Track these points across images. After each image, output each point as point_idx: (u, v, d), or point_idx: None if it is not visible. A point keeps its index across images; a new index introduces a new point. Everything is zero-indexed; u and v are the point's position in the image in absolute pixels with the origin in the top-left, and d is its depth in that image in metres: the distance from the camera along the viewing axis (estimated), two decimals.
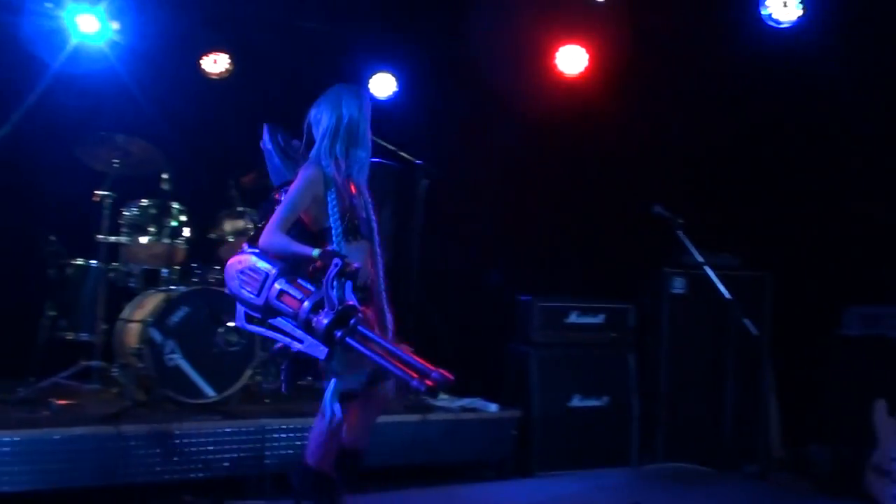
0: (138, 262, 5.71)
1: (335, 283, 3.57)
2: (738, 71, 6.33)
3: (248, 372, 5.26)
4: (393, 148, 5.98)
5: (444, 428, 5.32)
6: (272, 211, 3.86)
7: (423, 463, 5.23)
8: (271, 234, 3.77)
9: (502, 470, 5.43)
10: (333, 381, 3.74)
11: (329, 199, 3.81)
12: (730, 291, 5.60)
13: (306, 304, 3.56)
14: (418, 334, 5.69)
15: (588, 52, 6.86)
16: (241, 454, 4.77)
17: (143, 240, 5.61)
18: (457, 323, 6.19)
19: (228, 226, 5.83)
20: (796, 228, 6.17)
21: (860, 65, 5.81)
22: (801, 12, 6.02)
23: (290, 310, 3.59)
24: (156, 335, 5.05)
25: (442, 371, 3.41)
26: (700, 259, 5.73)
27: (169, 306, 5.11)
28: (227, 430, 4.79)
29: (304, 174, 3.85)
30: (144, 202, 5.66)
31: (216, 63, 6.87)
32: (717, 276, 5.65)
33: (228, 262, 3.78)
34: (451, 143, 6.45)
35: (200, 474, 4.67)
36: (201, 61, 6.84)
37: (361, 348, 3.54)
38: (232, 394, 5.20)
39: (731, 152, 6.46)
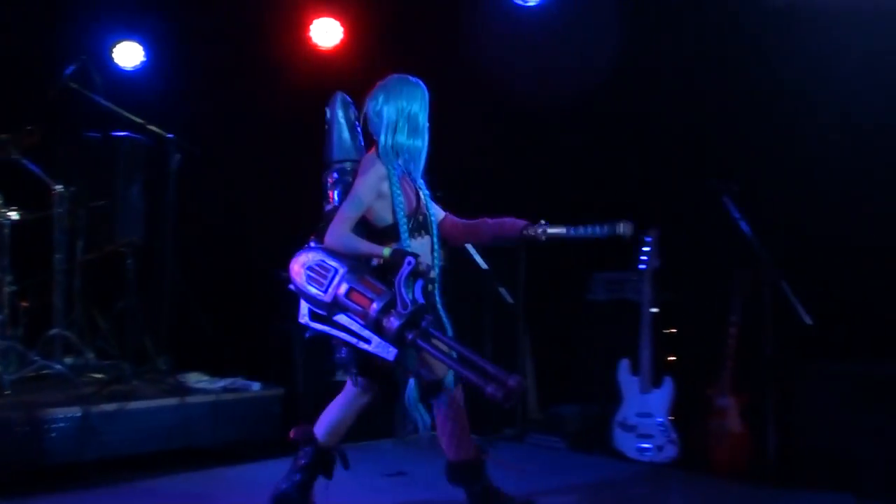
0: None
1: (407, 282, 3.47)
2: (491, 49, 6.49)
3: None
4: (141, 121, 5.72)
5: (205, 410, 5.16)
6: (328, 193, 3.81)
7: (183, 447, 5.05)
8: (338, 233, 3.63)
9: (267, 449, 5.32)
10: (412, 383, 3.66)
11: (395, 195, 3.69)
12: (486, 262, 5.76)
13: (376, 304, 3.44)
14: (176, 315, 5.51)
15: (342, 25, 6.82)
16: None
17: None
18: (218, 301, 5.99)
19: None
20: (547, 200, 6.42)
21: (600, 41, 6.08)
22: None
23: (360, 308, 3.46)
24: None
25: (517, 377, 3.30)
26: None
27: None
28: None
29: (370, 170, 3.71)
30: None
31: None
32: (474, 247, 5.80)
33: (294, 259, 3.64)
34: (206, 117, 6.23)
35: None
36: None
37: (434, 351, 3.44)
38: None
39: (482, 127, 6.63)
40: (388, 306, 3.44)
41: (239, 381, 5.42)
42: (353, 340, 3.54)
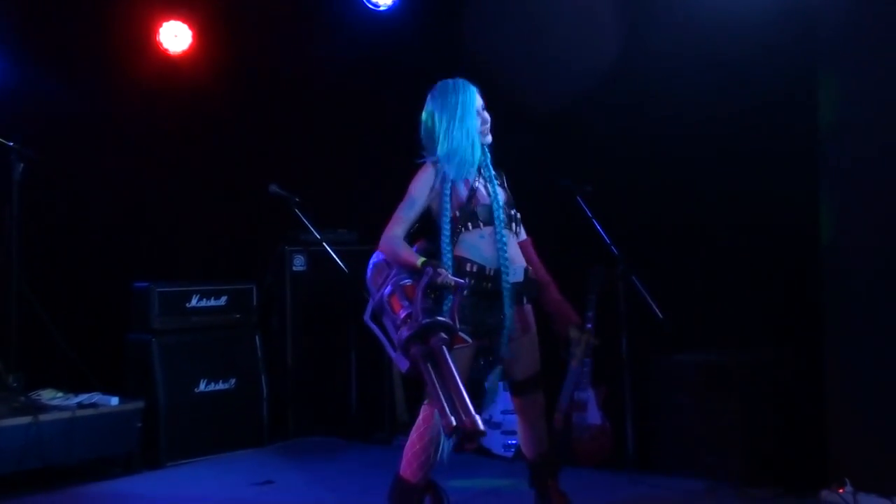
0: None
1: (427, 293, 3.38)
2: (341, 52, 6.52)
3: None
4: None
5: (61, 428, 4.96)
6: None
7: (40, 467, 4.85)
8: (386, 236, 3.60)
9: (130, 465, 5.19)
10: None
11: (444, 191, 3.64)
12: (349, 266, 5.77)
13: (403, 311, 3.37)
14: (25, 329, 5.30)
15: (191, 29, 6.70)
16: None
17: None
18: (71, 315, 5.77)
19: None
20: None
21: (449, 46, 6.18)
22: None
23: (393, 313, 3.40)
24: None
25: (477, 421, 3.14)
26: (318, 236, 5.85)
27: None
28: None
29: (423, 170, 3.69)
30: None
31: None
32: (335, 251, 5.80)
33: (376, 251, 3.62)
34: (52, 124, 5.99)
35: None
36: None
37: (425, 373, 3.27)
38: None
39: (341, 130, 6.65)
40: (410, 316, 3.37)
41: (96, 396, 5.23)
42: (387, 345, 3.47)
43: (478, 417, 3.16)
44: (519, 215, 3.89)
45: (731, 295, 5.11)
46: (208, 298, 5.75)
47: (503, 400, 5.29)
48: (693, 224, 5.23)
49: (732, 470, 4.63)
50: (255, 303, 5.95)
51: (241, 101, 6.62)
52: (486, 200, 3.73)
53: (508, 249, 3.70)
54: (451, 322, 3.37)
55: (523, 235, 3.92)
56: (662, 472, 4.82)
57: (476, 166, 3.77)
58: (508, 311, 3.65)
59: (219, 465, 5.41)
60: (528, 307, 3.83)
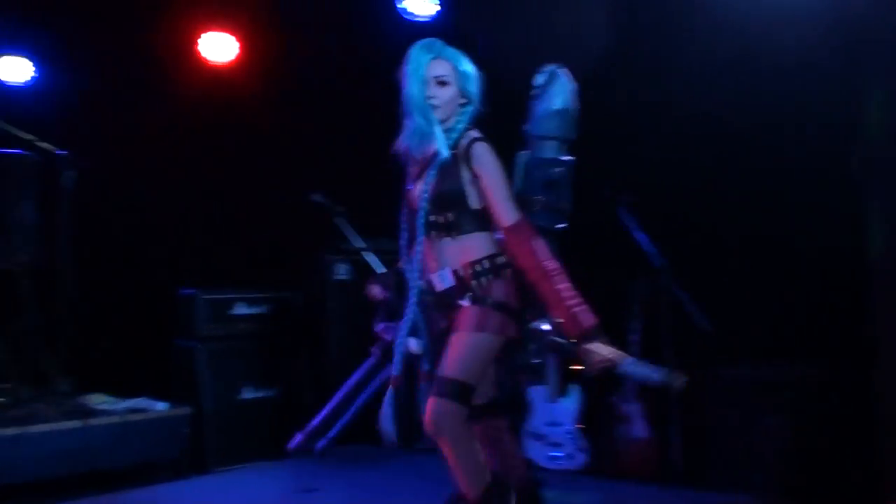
0: None
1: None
2: (382, 62, 6.54)
3: None
4: (31, 137, 5.54)
5: (109, 432, 5.03)
6: None
7: (89, 471, 4.91)
8: None
9: (177, 469, 5.25)
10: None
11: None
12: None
13: None
14: (76, 334, 5.36)
15: (238, 39, 6.76)
16: None
17: None
18: (119, 320, 5.84)
19: None
20: None
21: (491, 56, 6.18)
22: (437, 7, 6.35)
23: None
24: None
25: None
26: (360, 245, 5.85)
27: None
28: None
29: None
30: None
31: None
32: (377, 259, 5.81)
33: None
34: (99, 133, 6.08)
35: None
36: None
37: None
38: None
39: (384, 139, 6.67)
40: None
41: (144, 401, 5.30)
42: None
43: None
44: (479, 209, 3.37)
45: (780, 307, 5.08)
46: (252, 305, 5.80)
47: (547, 411, 5.30)
48: (739, 234, 5.22)
49: (780, 488, 4.61)
50: (298, 311, 5.98)
51: (284, 110, 6.67)
52: (414, 204, 3.44)
53: (426, 257, 3.39)
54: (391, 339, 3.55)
55: (508, 220, 3.29)
56: (709, 487, 4.81)
57: (428, 135, 3.38)
58: (409, 323, 3.44)
59: (265, 471, 5.44)
60: (474, 308, 3.34)
